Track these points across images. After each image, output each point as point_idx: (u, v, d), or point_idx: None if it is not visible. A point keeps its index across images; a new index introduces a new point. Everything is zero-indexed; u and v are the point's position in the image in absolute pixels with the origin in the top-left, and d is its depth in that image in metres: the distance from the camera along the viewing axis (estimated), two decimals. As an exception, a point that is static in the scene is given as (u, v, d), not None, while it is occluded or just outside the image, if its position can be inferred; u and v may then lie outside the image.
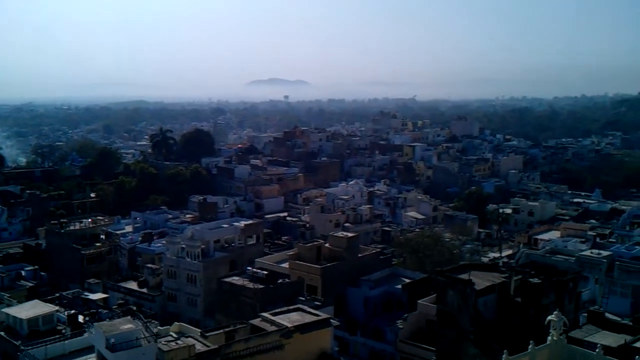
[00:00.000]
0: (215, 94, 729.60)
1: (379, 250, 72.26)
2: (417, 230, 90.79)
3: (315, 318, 42.37)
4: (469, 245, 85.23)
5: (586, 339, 34.64)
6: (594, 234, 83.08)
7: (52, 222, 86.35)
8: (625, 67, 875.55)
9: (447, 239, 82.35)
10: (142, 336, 34.97)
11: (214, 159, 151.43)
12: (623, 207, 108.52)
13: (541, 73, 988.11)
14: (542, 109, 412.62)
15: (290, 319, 41.60)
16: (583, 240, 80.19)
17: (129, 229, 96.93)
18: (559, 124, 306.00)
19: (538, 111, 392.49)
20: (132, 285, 69.82)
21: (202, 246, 67.53)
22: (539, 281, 42.08)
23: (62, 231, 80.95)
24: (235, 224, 76.81)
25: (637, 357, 25.35)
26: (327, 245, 65.86)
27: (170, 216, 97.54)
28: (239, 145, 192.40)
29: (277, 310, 43.81)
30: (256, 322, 42.00)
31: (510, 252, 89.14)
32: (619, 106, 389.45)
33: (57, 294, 56.33)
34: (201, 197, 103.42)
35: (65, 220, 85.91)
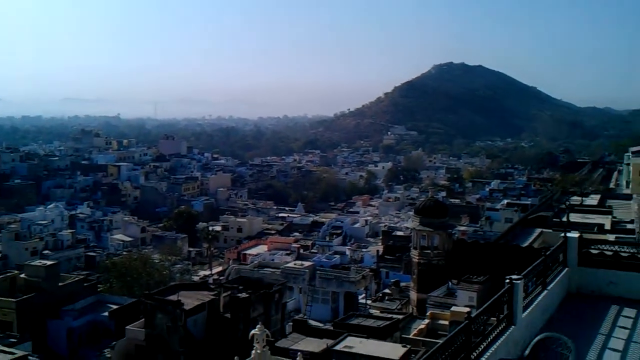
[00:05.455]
0: None
1: (82, 277, 67.46)
2: (124, 253, 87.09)
3: (10, 357, 37.67)
4: (179, 265, 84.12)
5: (292, 347, 35.53)
6: (298, 245, 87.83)
7: None
8: (322, 90, 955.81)
9: (157, 260, 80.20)
10: None
11: None
12: (323, 220, 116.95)
13: (247, 94, 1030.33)
14: (248, 129, 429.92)
15: (-25, 363, 36.38)
16: (288, 252, 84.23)
17: None
18: (264, 142, 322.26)
19: (244, 131, 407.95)
20: None
21: None
22: (247, 295, 42.50)
23: None
24: None
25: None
26: (22, 275, 59.57)
27: None
28: None
29: (-41, 355, 38.04)
30: None
31: (220, 268, 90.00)
32: (317, 126, 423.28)
33: None
34: None
35: None
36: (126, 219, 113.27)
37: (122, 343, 48.62)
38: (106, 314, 57.34)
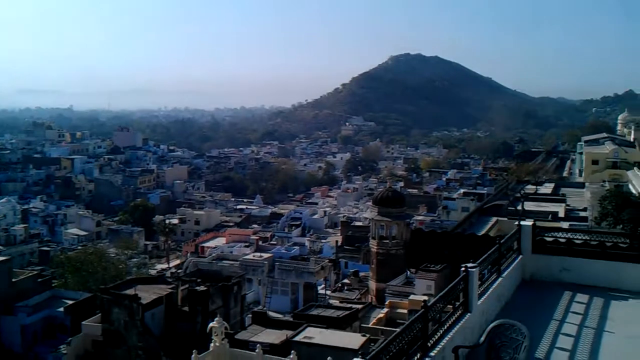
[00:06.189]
0: None
1: (36, 272, 66.13)
2: (79, 247, 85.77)
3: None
4: (135, 259, 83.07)
5: (251, 339, 35.46)
6: (257, 237, 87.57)
7: None
8: (280, 81, 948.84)
9: (113, 254, 79.11)
10: None
11: None
12: (281, 211, 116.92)
13: (203, 85, 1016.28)
14: (205, 120, 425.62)
15: None
16: (247, 244, 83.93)
17: None
18: (221, 134, 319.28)
19: (201, 122, 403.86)
20: None
21: None
22: (205, 288, 42.20)
23: None
24: None
25: (292, 351, 26.53)
26: (-28, 272, 58.06)
27: None
28: None
29: None
30: None
31: (178, 262, 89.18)
32: (275, 117, 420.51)
33: None
34: None
35: None
36: (80, 212, 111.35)
37: (79, 339, 47.84)
38: (61, 309, 56.24)
